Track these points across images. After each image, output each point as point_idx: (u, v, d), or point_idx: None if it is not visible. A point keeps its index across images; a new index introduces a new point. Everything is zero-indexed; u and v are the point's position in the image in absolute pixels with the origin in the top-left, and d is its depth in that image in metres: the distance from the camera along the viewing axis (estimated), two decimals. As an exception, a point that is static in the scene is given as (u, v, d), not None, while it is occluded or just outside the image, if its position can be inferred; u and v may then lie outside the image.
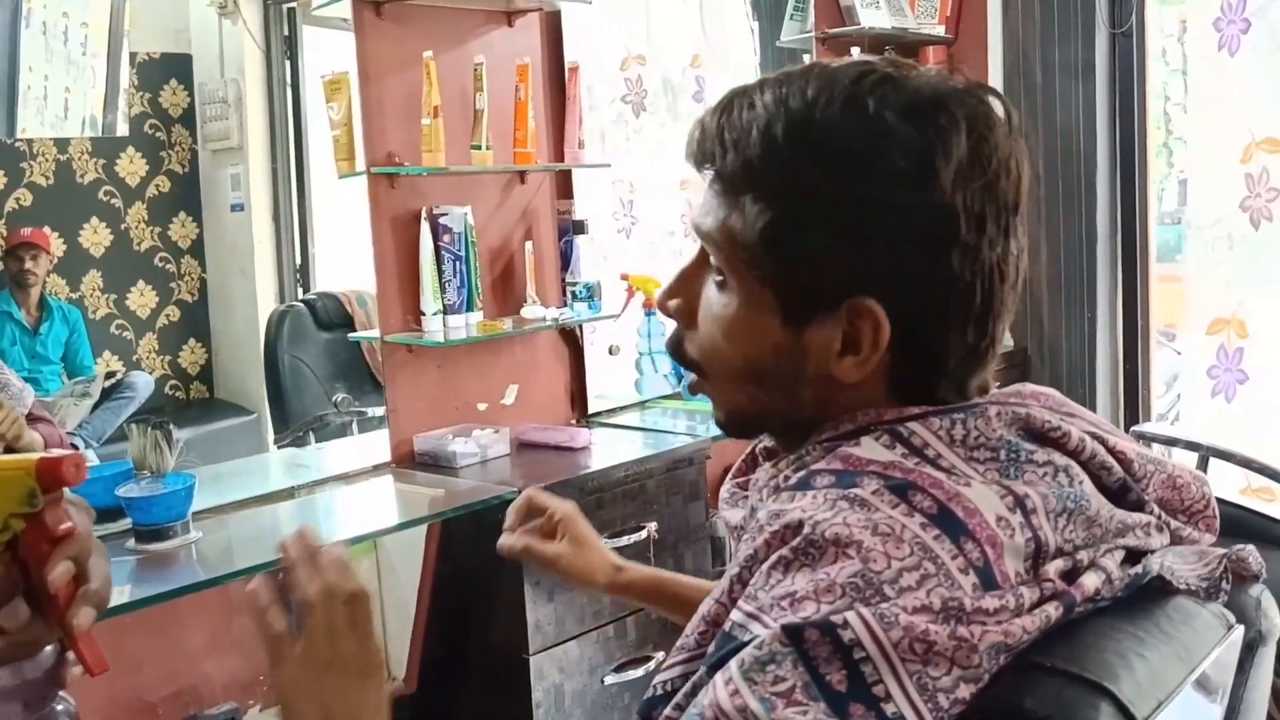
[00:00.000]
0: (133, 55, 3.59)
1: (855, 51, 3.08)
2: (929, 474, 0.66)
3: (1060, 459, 0.70)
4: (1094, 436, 0.73)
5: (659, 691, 0.70)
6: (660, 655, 2.23)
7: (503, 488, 2.05)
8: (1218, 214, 2.95)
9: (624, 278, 2.77)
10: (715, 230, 0.74)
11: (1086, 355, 3.14)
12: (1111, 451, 0.74)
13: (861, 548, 0.62)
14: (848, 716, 0.57)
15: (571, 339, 2.55)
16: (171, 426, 1.90)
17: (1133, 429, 2.76)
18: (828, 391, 0.73)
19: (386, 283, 2.22)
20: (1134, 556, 0.72)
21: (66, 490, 0.67)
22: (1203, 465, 2.38)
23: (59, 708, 0.72)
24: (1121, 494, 0.74)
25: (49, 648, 0.71)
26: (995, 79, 3.23)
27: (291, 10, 3.58)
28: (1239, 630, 0.75)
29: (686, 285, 0.78)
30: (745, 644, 0.61)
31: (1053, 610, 0.64)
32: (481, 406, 2.38)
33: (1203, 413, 3.03)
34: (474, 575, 2.14)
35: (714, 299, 0.76)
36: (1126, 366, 3.17)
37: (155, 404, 3.50)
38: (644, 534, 2.21)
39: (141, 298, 3.70)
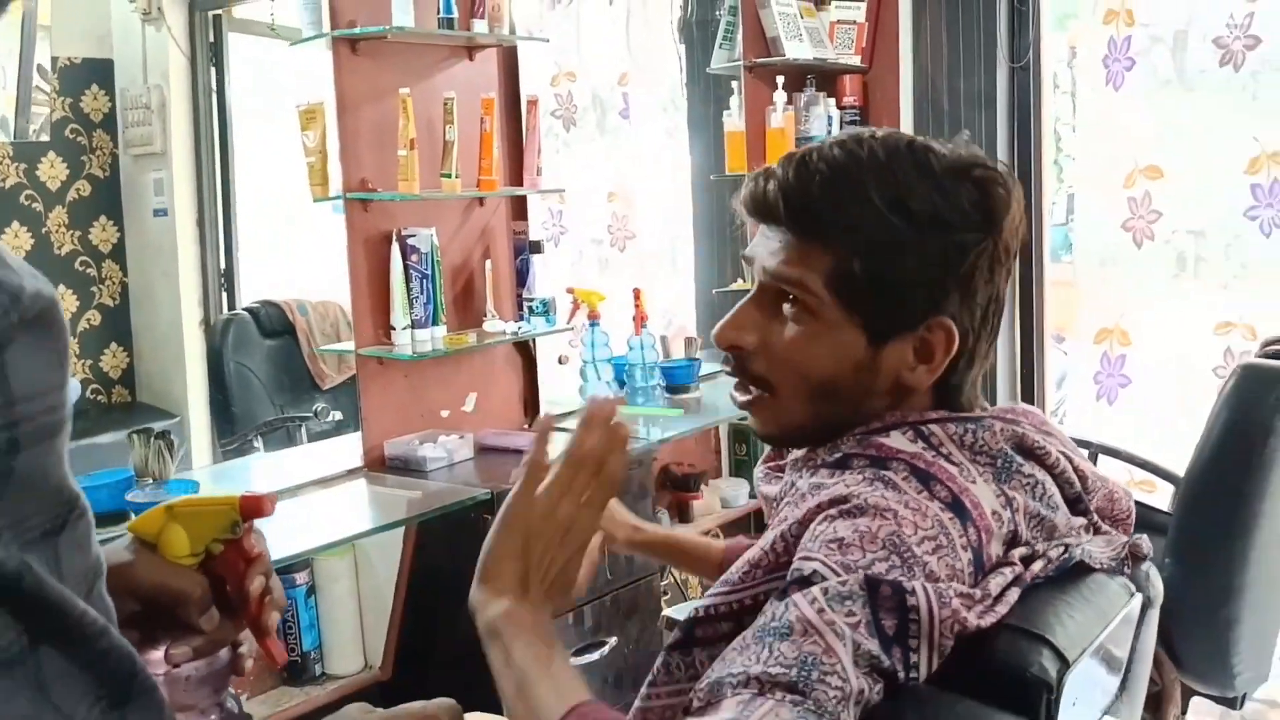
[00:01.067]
0: (54, 60, 3.62)
1: (780, 80, 3.32)
2: (945, 468, 0.88)
3: (1040, 474, 0.93)
4: (1066, 455, 0.96)
5: (700, 614, 0.89)
6: (613, 639, 2.44)
7: (472, 489, 2.24)
8: (1102, 232, 3.26)
9: (569, 291, 2.97)
10: (799, 274, 0.93)
11: (987, 376, 3.43)
12: (1075, 470, 0.97)
13: (897, 516, 0.83)
14: (890, 655, 0.79)
15: (525, 349, 2.74)
16: (173, 436, 2.04)
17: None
18: (892, 400, 0.95)
19: (360, 299, 2.37)
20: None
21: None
22: (1092, 460, 2.67)
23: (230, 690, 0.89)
24: (1075, 503, 0.97)
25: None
26: (906, 107, 3.50)
27: (217, 17, 3.66)
28: (1139, 597, 0.99)
29: (751, 319, 0.97)
30: (806, 576, 0.81)
31: (1013, 595, 0.86)
32: (444, 413, 2.56)
33: (1088, 413, 3.35)
34: (447, 570, 2.31)
35: (791, 329, 0.95)
36: (1023, 369, 3.48)
37: (78, 407, 3.56)
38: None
39: (63, 301, 3.72)
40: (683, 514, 2.98)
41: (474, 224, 2.57)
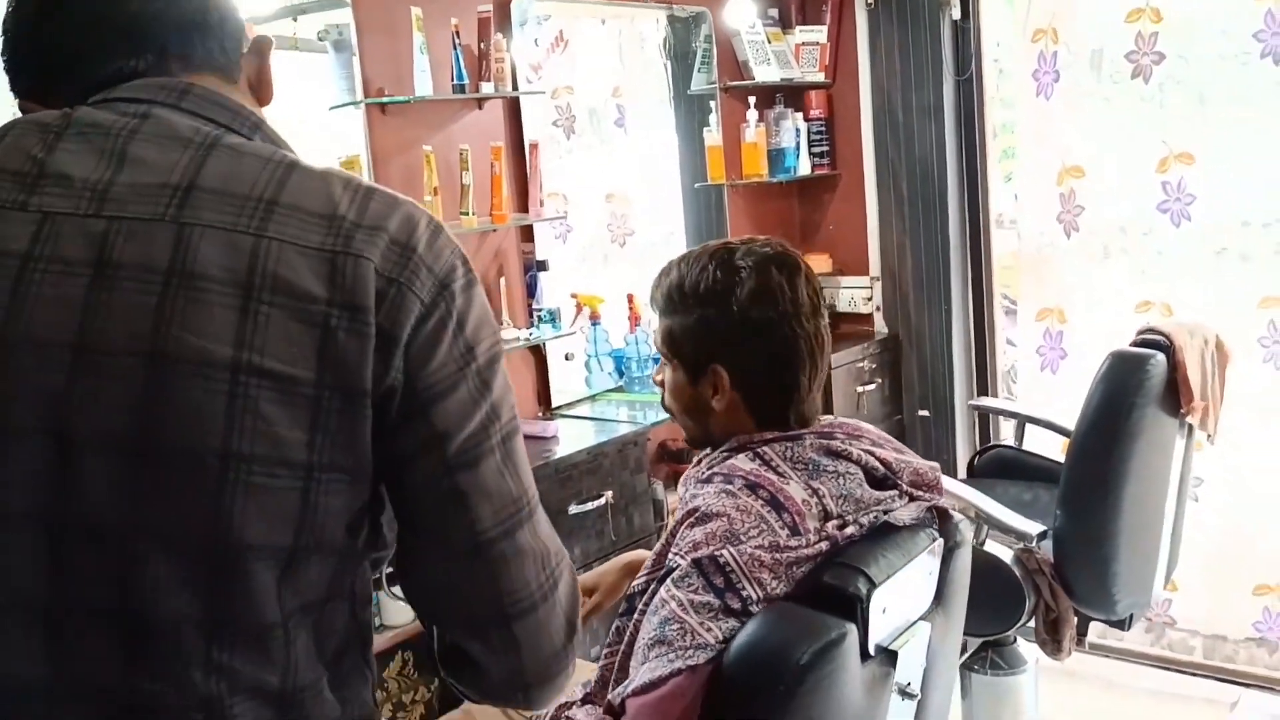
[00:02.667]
0: None
1: (752, 100, 3.78)
2: (768, 477, 1.37)
3: (844, 466, 1.42)
4: (868, 452, 1.44)
5: (636, 590, 1.41)
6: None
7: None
8: (1040, 224, 3.71)
9: (573, 296, 3.45)
10: (659, 340, 1.50)
11: (944, 340, 3.89)
12: (880, 460, 1.45)
13: (729, 517, 1.33)
14: (725, 599, 1.28)
15: (537, 351, 3.22)
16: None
17: (970, 402, 3.53)
18: (719, 420, 1.47)
19: (396, 317, 2.86)
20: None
21: None
22: (1021, 428, 3.15)
23: None
24: (883, 481, 1.45)
25: None
26: (866, 117, 3.95)
27: None
28: (940, 541, 1.47)
29: (662, 370, 1.52)
30: (673, 570, 1.33)
31: (824, 546, 1.34)
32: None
33: (1034, 381, 3.81)
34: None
35: (668, 376, 1.51)
36: (976, 348, 3.94)
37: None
38: (603, 500, 2.89)
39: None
40: (677, 481, 3.47)
41: (489, 248, 3.06)
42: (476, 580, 0.92)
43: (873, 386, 3.84)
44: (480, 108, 3.01)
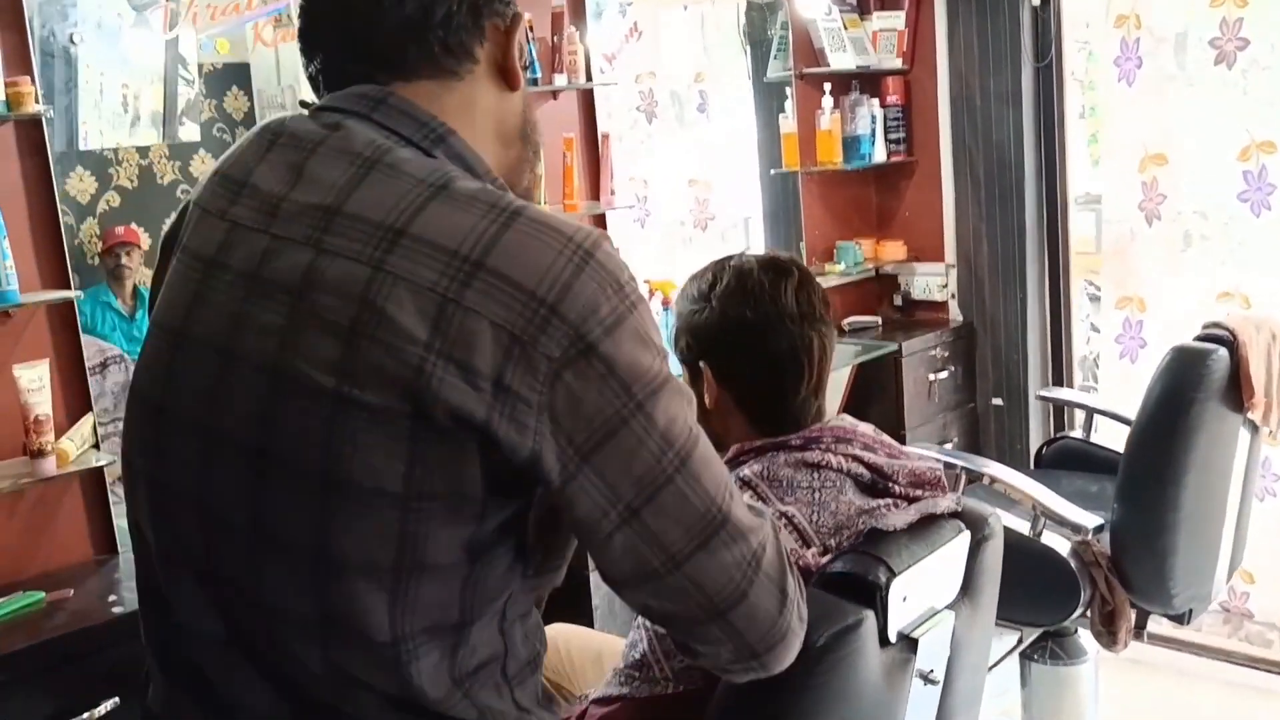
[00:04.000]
0: (199, 66, 4.21)
1: (827, 87, 3.80)
2: None
3: (822, 478, 1.44)
4: (854, 457, 1.46)
5: None
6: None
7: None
8: (1122, 212, 3.67)
9: (646, 282, 3.52)
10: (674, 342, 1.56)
11: (1019, 328, 3.88)
12: (867, 465, 1.47)
13: None
14: None
15: (607, 334, 3.30)
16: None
17: (1038, 393, 3.52)
18: (718, 419, 1.52)
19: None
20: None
21: None
22: (1090, 418, 3.14)
23: None
24: (872, 487, 1.48)
25: None
26: (943, 104, 3.94)
27: None
28: (967, 533, 1.51)
29: None
30: None
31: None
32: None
33: (1115, 370, 3.77)
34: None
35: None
36: (1052, 337, 3.92)
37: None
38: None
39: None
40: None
41: (562, 235, 3.14)
42: (681, 592, 0.93)
43: (945, 374, 3.85)
44: (555, 99, 3.09)
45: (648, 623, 1.39)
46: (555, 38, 2.93)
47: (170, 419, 0.96)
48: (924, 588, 1.45)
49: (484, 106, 1.02)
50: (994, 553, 1.58)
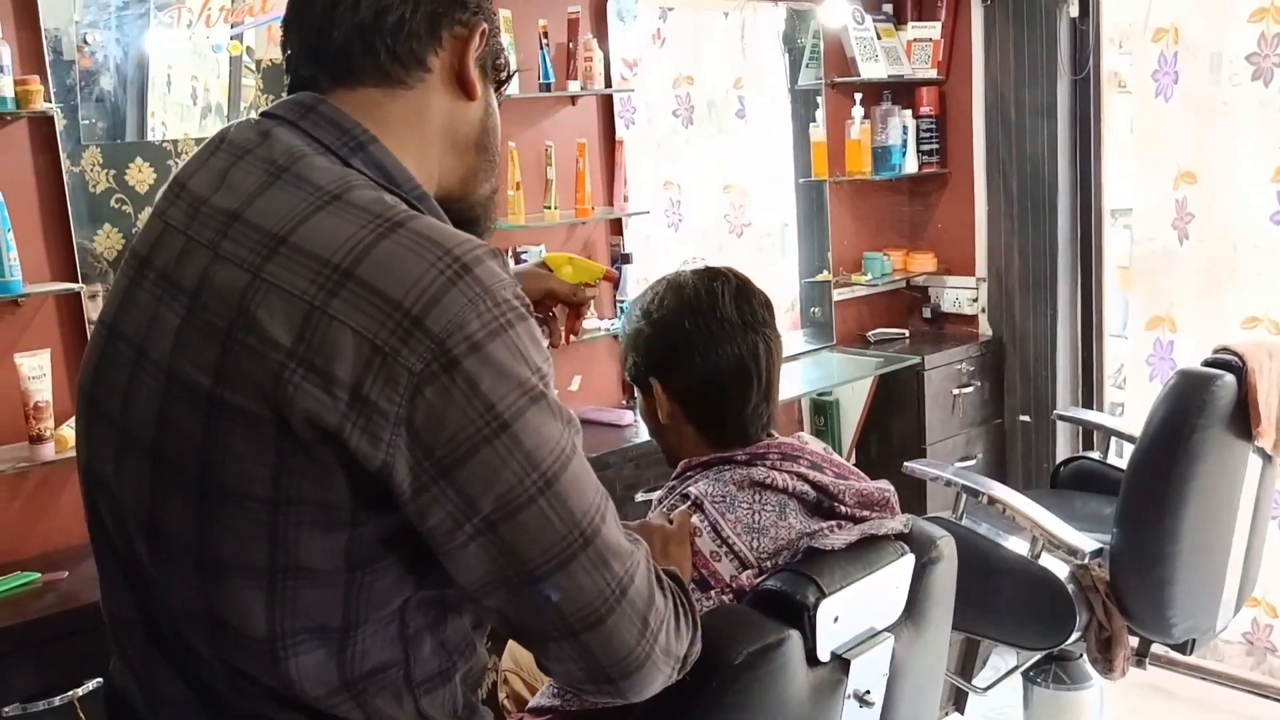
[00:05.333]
0: (257, 62, 4.32)
1: (858, 97, 3.77)
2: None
3: (765, 498, 1.43)
4: (800, 476, 1.45)
5: None
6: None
7: (568, 456, 2.83)
8: (1154, 230, 3.59)
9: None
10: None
11: (1048, 345, 3.81)
12: (814, 484, 1.46)
13: None
14: None
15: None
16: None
17: (1055, 412, 3.46)
18: (673, 434, 1.53)
19: (483, 304, 3.00)
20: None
21: None
22: (1105, 439, 3.08)
23: None
24: (818, 507, 1.47)
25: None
26: (978, 115, 3.89)
27: None
28: (911, 556, 1.49)
29: None
30: None
31: (727, 598, 1.38)
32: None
33: (1145, 391, 3.68)
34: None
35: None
36: (1083, 355, 3.85)
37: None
38: (672, 489, 2.98)
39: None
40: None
41: (576, 240, 3.17)
42: (536, 607, 0.92)
43: (970, 389, 3.80)
44: (574, 104, 3.11)
45: None
46: (571, 44, 2.95)
47: (98, 412, 1.00)
48: (860, 609, 1.44)
49: (436, 115, 1.02)
50: (942, 576, 1.56)
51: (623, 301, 3.21)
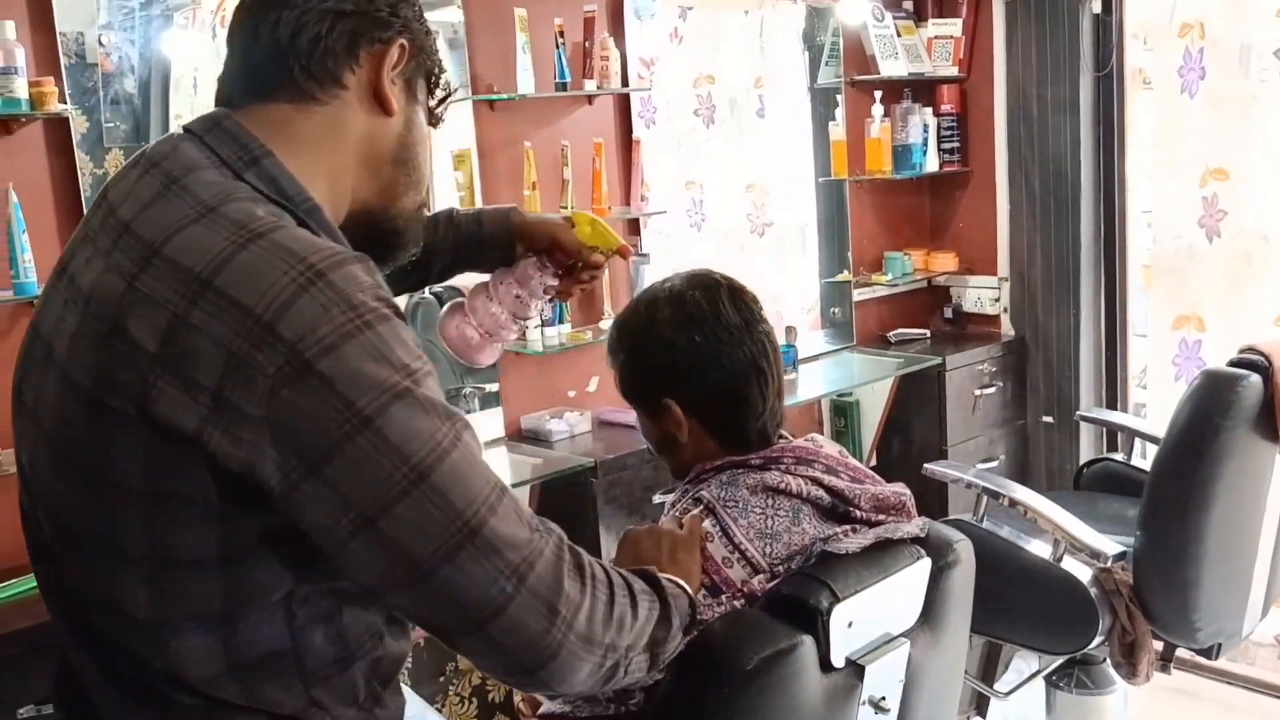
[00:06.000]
0: None
1: (878, 95, 3.74)
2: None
3: (778, 503, 1.41)
4: (815, 480, 1.43)
5: None
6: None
7: (582, 458, 2.82)
8: (1179, 227, 3.54)
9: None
10: (619, 389, 1.54)
11: (1072, 345, 3.77)
12: (829, 489, 1.43)
13: None
14: None
15: (640, 340, 3.30)
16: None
17: (1078, 414, 3.41)
18: (690, 450, 1.49)
19: (499, 305, 2.99)
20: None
21: None
22: (1129, 440, 3.04)
23: None
24: (833, 511, 1.44)
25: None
26: (1000, 113, 3.85)
27: None
28: (927, 560, 1.47)
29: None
30: None
31: (739, 603, 1.35)
32: (570, 393, 3.16)
33: (1170, 391, 3.64)
34: (562, 519, 2.89)
35: (637, 418, 1.55)
36: (1106, 355, 3.80)
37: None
38: (690, 491, 2.95)
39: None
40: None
41: (594, 239, 3.14)
42: (433, 601, 0.94)
43: (992, 390, 3.76)
44: (591, 103, 3.09)
45: None
46: (588, 42, 2.93)
47: (21, 405, 1.05)
48: (875, 613, 1.41)
49: (351, 130, 1.06)
50: (960, 580, 1.53)
51: (640, 302, 3.18)
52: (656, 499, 2.73)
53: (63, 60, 2.22)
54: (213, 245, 0.91)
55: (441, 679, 2.89)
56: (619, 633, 1.03)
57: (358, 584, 0.97)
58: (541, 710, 1.48)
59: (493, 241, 1.51)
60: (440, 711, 2.83)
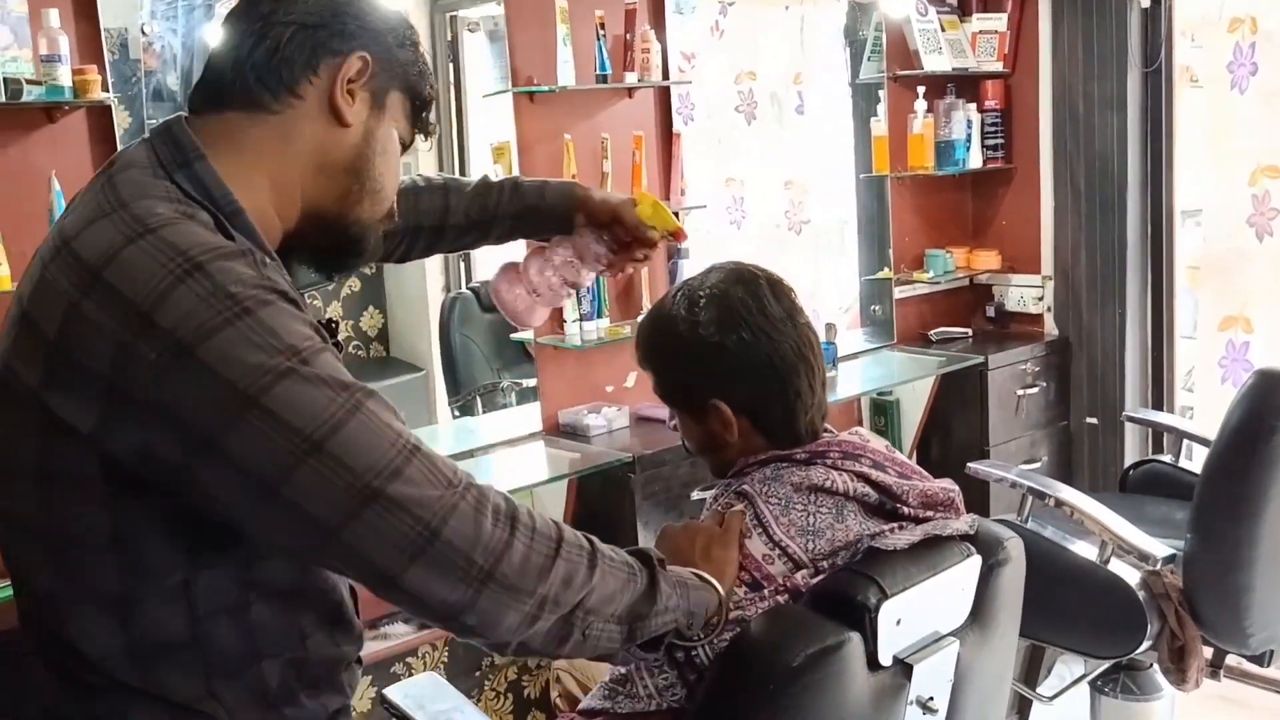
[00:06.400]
0: None
1: (921, 90, 3.69)
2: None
3: (822, 501, 1.38)
4: (861, 476, 1.40)
5: None
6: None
7: (620, 453, 2.80)
8: (1227, 226, 3.47)
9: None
10: (655, 391, 1.51)
11: (1117, 346, 3.70)
12: (874, 484, 1.40)
13: None
14: (673, 649, 1.27)
15: (678, 336, 3.27)
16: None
17: (1125, 414, 3.35)
18: (737, 448, 1.46)
19: (537, 299, 2.97)
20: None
21: None
22: (1178, 442, 2.98)
23: None
24: (880, 509, 1.41)
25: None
26: (1045, 109, 3.79)
27: (453, 18, 4.26)
28: (977, 558, 1.43)
29: (674, 415, 1.53)
30: None
31: (782, 599, 1.32)
32: (609, 389, 3.13)
33: (1216, 394, 3.57)
34: (599, 514, 2.88)
35: (679, 420, 1.52)
36: (1153, 356, 3.73)
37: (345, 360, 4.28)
38: (728, 488, 2.92)
39: (337, 274, 4.45)
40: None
41: (633, 234, 3.12)
42: (348, 560, 0.97)
43: (1035, 390, 3.70)
44: (631, 96, 3.07)
45: None
46: (628, 35, 2.91)
47: None
48: (923, 611, 1.38)
49: (303, 139, 1.09)
50: (1010, 579, 1.49)
51: (679, 297, 3.16)
52: (695, 495, 2.71)
53: (106, 54, 2.22)
54: (109, 239, 0.96)
55: (477, 674, 2.87)
56: (562, 588, 1.03)
57: (276, 549, 1.03)
58: (581, 706, 1.46)
59: (554, 213, 1.58)
60: (476, 705, 2.82)
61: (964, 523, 1.43)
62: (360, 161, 1.13)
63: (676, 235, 1.57)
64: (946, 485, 1.46)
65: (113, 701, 1.05)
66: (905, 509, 1.41)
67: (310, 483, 0.94)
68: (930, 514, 1.43)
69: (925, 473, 1.49)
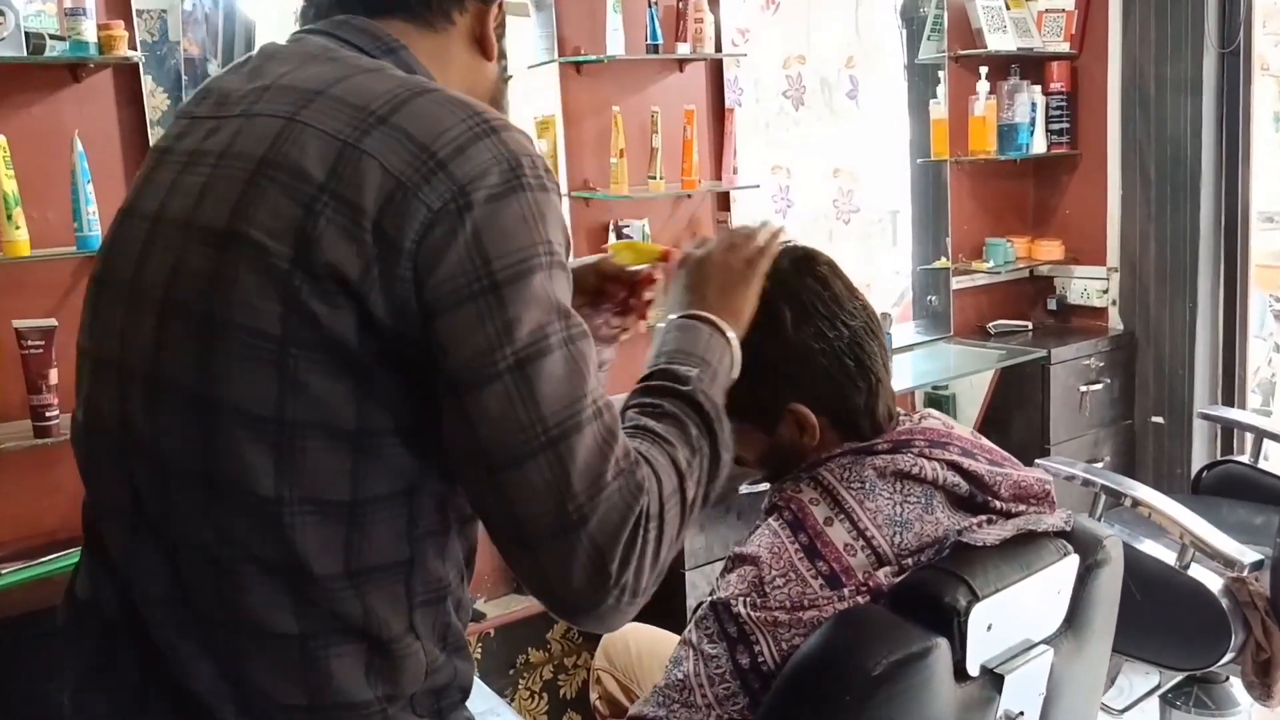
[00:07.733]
0: None
1: (983, 71, 3.53)
2: (813, 518, 1.21)
3: (908, 490, 1.24)
4: (950, 464, 1.25)
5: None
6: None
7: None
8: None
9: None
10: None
11: (1186, 342, 3.52)
12: (965, 473, 1.25)
13: (759, 561, 1.19)
14: (735, 653, 1.17)
15: (726, 322, 3.13)
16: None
17: (1201, 410, 3.18)
18: (807, 452, 1.30)
19: (581, 280, 2.84)
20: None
21: None
22: (1258, 443, 2.80)
23: None
24: (970, 500, 1.26)
25: None
26: (1113, 91, 3.61)
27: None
28: (1074, 557, 1.29)
29: None
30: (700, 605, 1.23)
31: (862, 600, 1.18)
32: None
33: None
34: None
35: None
36: (1224, 352, 3.54)
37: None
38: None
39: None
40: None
41: (682, 214, 2.99)
42: (490, 501, 0.89)
43: (1099, 386, 3.53)
44: (681, 70, 2.93)
45: (694, 638, 1.23)
46: (681, 4, 2.77)
47: (104, 289, 1.00)
48: (1016, 616, 1.24)
49: (456, 64, 1.07)
50: (1109, 581, 1.35)
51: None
52: (744, 489, 2.57)
53: (140, 35, 2.11)
54: (386, 89, 0.90)
55: (511, 672, 2.75)
56: (653, 575, 0.93)
57: (449, 448, 0.89)
58: (631, 712, 1.32)
59: None
60: (510, 706, 2.69)
61: (1059, 518, 1.29)
62: (499, 95, 1.12)
63: (665, 257, 1.36)
64: (1040, 475, 1.31)
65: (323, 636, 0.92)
66: (996, 502, 1.27)
67: (492, 405, 0.85)
68: (1021, 508, 1.28)
69: (1016, 460, 1.34)
